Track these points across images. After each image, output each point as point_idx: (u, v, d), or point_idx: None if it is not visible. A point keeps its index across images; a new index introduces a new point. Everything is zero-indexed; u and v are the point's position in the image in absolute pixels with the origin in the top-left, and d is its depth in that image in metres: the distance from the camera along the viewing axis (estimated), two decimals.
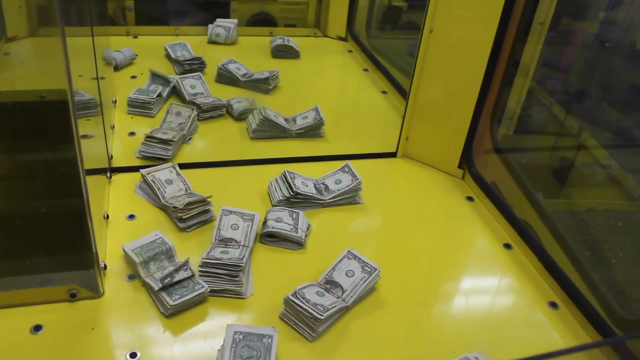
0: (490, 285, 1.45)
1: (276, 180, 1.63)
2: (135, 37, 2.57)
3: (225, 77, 2.22)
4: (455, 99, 1.74)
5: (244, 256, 1.35)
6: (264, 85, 2.19)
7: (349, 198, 1.64)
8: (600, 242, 1.72)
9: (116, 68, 2.22)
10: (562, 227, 1.57)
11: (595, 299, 1.37)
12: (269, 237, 1.48)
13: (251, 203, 1.60)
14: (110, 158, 1.70)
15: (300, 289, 1.28)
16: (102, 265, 1.33)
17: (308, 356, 1.21)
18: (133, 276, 1.34)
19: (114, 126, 1.88)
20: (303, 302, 1.24)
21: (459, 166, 1.79)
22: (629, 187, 1.92)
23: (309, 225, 1.53)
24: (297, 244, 1.47)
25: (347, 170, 1.66)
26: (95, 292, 1.29)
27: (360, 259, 1.37)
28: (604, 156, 2.01)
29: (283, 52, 2.51)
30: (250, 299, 1.33)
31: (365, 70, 2.53)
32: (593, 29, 2.49)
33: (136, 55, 2.32)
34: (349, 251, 1.39)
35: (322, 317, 1.21)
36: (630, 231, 1.79)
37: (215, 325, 1.25)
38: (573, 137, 2.11)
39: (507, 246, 1.56)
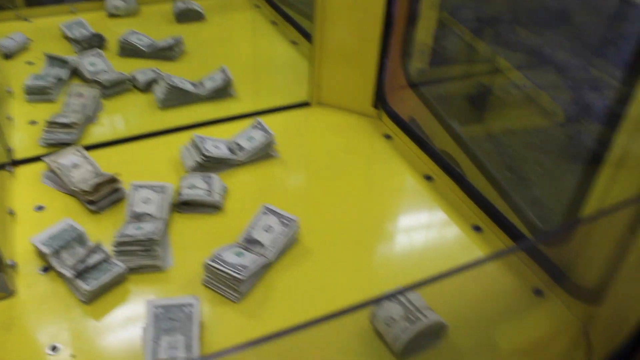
0: (414, 219, 1.45)
1: (187, 147, 1.58)
2: (27, 20, 2.42)
3: (128, 50, 2.12)
4: (360, 39, 1.70)
5: (158, 229, 1.30)
6: (169, 52, 2.11)
7: (264, 154, 1.60)
8: (519, 161, 1.73)
9: (8, 56, 2.09)
10: (482, 152, 1.57)
11: (517, 218, 1.38)
12: (184, 205, 1.44)
13: (165, 174, 1.55)
14: (9, 151, 1.61)
15: (219, 252, 1.25)
16: (11, 263, 1.26)
17: (235, 318, 1.19)
18: (47, 268, 1.28)
19: (10, 117, 1.78)
20: (222, 265, 1.21)
21: (374, 106, 1.77)
22: (544, 104, 1.93)
23: (224, 187, 1.48)
24: (214, 207, 1.44)
25: (258, 126, 1.61)
26: (5, 291, 1.22)
27: (277, 212, 1.34)
28: (519, 77, 2.02)
29: (187, 16, 2.41)
30: (171, 270, 1.29)
31: (274, 23, 2.46)
32: None
33: (29, 39, 2.19)
34: (265, 207, 1.36)
35: (242, 278, 1.19)
36: (547, 146, 1.80)
37: (138, 304, 1.21)
38: (488, 62, 2.11)
39: (428, 178, 1.56)
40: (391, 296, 1.06)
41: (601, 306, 1.11)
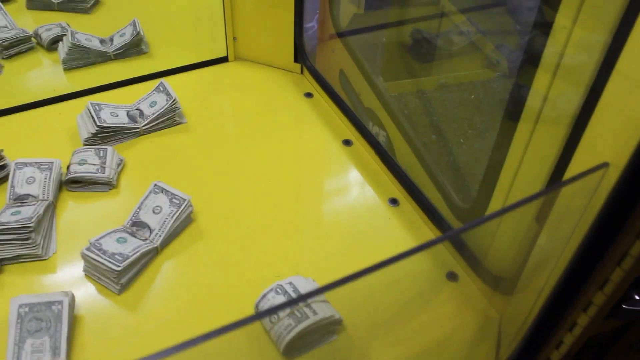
0: (327, 191, 1.33)
1: (82, 116, 1.43)
2: None
3: (37, 2, 1.93)
4: None
5: (36, 214, 1.17)
6: (81, 4, 1.92)
7: (168, 120, 1.45)
8: (449, 121, 1.58)
9: None
10: (409, 112, 1.43)
11: (435, 189, 1.26)
12: (74, 184, 1.31)
13: (59, 147, 1.40)
14: None
15: (97, 239, 1.13)
16: None
17: (116, 311, 1.08)
18: None
19: None
20: (98, 255, 1.09)
21: (296, 60, 1.60)
22: (487, 53, 1.77)
23: (120, 160, 1.35)
24: (107, 185, 1.30)
25: (161, 89, 1.46)
26: None
27: (168, 191, 1.21)
28: (462, 21, 1.84)
29: None
30: (53, 259, 1.17)
31: None
32: None
33: None
34: (155, 185, 1.23)
35: (119, 269, 1.07)
36: (483, 103, 1.64)
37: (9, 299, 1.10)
38: (432, 4, 1.93)
39: (347, 142, 1.42)
40: (285, 306, 0.95)
41: (512, 297, 1.01)
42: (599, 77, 0.72)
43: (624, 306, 0.96)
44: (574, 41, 0.90)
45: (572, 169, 0.77)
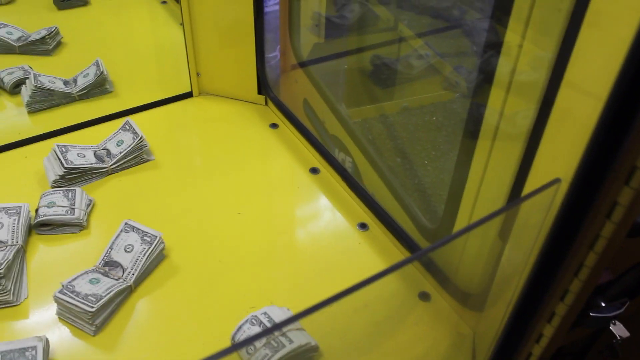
0: (297, 220, 1.35)
1: (48, 158, 1.43)
2: None
3: None
4: (233, 21, 1.55)
5: (5, 260, 1.16)
6: (42, 46, 1.92)
7: (136, 158, 1.45)
8: (413, 144, 1.62)
9: None
10: (373, 137, 1.46)
11: (403, 211, 1.29)
12: (44, 227, 1.30)
13: (27, 191, 1.40)
14: None
15: (69, 282, 1.12)
16: None
17: (92, 352, 1.08)
18: None
19: None
20: (72, 297, 1.09)
21: (259, 92, 1.63)
22: (447, 75, 1.82)
23: (90, 201, 1.35)
24: (77, 226, 1.30)
25: (127, 127, 1.47)
26: None
27: (139, 229, 1.22)
28: (421, 45, 1.89)
29: (68, 1, 2.21)
30: (25, 304, 1.16)
31: (164, 2, 2.28)
32: None
33: None
34: (126, 223, 1.23)
35: (93, 309, 1.07)
36: (444, 124, 1.69)
37: None
38: (390, 30, 1.98)
39: (314, 170, 1.45)
40: (261, 336, 0.96)
41: (483, 313, 1.03)
42: (550, 90, 0.75)
43: (591, 314, 0.99)
44: (525, 57, 0.94)
45: (530, 184, 0.80)
